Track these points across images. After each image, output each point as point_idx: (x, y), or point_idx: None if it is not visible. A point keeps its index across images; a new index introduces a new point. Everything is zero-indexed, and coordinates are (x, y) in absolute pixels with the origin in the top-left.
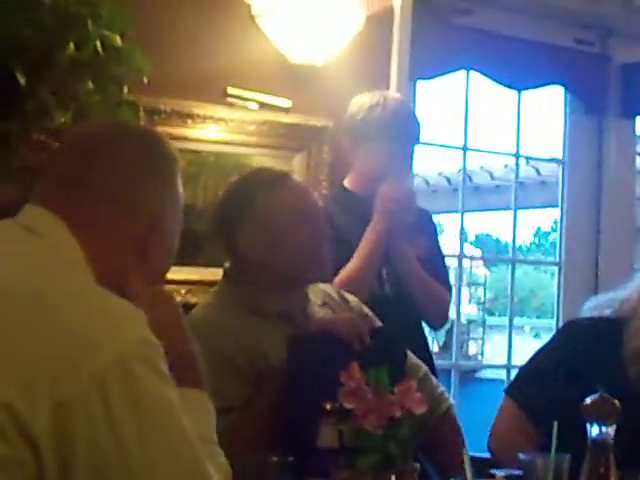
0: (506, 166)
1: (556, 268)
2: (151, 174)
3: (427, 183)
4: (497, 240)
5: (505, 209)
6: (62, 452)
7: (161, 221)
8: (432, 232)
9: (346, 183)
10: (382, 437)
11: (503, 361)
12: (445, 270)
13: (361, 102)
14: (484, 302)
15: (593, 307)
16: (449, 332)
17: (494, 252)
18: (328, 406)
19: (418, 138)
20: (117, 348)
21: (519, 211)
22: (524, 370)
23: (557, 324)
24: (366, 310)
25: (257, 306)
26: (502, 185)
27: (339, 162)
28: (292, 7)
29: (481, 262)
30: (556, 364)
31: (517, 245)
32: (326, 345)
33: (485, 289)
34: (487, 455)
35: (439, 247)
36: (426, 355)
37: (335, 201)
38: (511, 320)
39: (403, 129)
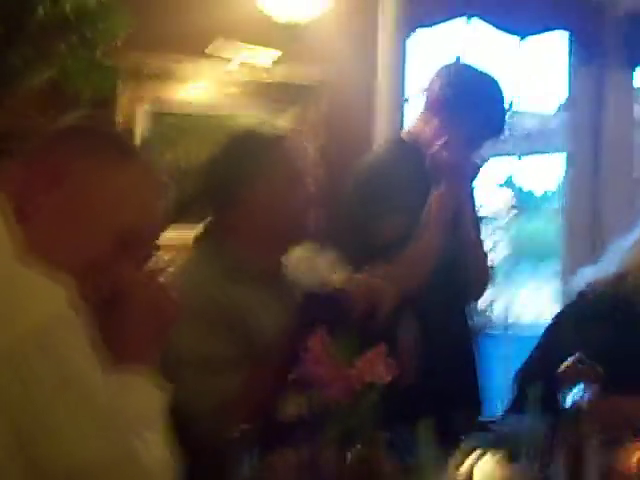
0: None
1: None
2: (62, 137)
3: None
4: (520, 188)
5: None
6: None
7: (67, 172)
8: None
9: (405, 136)
10: (348, 406)
11: (536, 314)
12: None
13: (448, 69)
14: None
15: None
16: None
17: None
18: (293, 375)
19: (503, 109)
20: (33, 322)
21: (543, 158)
22: None
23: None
24: None
25: (241, 267)
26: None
27: (332, 117)
28: None
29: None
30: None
31: (543, 192)
32: (329, 308)
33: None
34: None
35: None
36: (465, 321)
37: (391, 153)
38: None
39: (491, 102)
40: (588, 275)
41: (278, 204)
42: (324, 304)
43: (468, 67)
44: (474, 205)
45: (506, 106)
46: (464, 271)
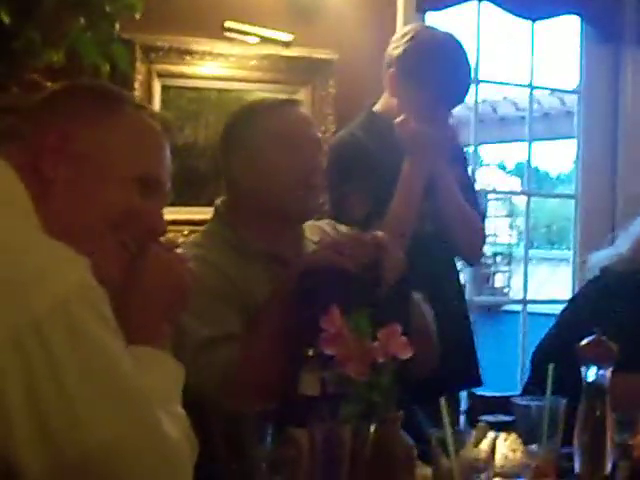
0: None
1: (573, 201)
2: (68, 103)
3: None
4: (536, 169)
5: (532, 140)
6: None
7: (69, 141)
8: (463, 160)
9: (377, 108)
10: (365, 384)
11: (550, 294)
12: (478, 199)
13: (405, 33)
14: (517, 233)
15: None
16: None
17: (533, 182)
18: (310, 352)
19: (464, 73)
20: (56, 292)
21: (558, 140)
22: None
23: (574, 257)
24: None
25: (245, 247)
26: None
27: (348, 94)
28: None
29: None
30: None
31: (557, 174)
32: (330, 282)
33: (511, 220)
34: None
35: (469, 175)
36: (458, 294)
37: (363, 128)
38: (527, 252)
39: (447, 66)
40: (605, 255)
41: (264, 173)
42: (322, 271)
43: (426, 31)
44: (465, 169)
45: (468, 70)
46: (447, 236)
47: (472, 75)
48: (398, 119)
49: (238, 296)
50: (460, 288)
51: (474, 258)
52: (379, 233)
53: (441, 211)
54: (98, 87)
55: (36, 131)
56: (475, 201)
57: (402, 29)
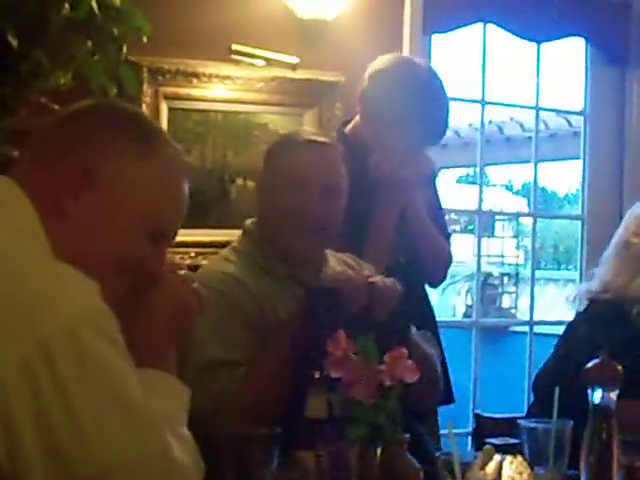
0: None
1: (579, 222)
2: (98, 131)
3: (458, 135)
4: (543, 190)
5: (538, 161)
6: (7, 424)
7: (94, 178)
8: (432, 181)
9: (349, 129)
10: (372, 407)
11: (557, 316)
12: (445, 220)
13: (378, 62)
14: (524, 254)
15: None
16: (483, 286)
17: (540, 203)
18: (316, 375)
19: (438, 105)
20: (66, 316)
21: (565, 161)
22: None
23: (580, 278)
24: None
25: (270, 267)
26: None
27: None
28: None
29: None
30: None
31: (564, 194)
32: (335, 304)
33: (518, 240)
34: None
35: (437, 196)
36: (429, 315)
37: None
38: (533, 273)
39: (418, 98)
40: (589, 285)
41: (265, 208)
42: (324, 298)
43: (403, 65)
44: (433, 190)
45: (445, 107)
46: (416, 263)
47: (449, 110)
48: (372, 159)
49: (259, 313)
50: (431, 310)
51: (438, 281)
52: (370, 275)
53: (412, 241)
54: (130, 118)
55: (60, 158)
56: (441, 223)
57: (375, 63)
